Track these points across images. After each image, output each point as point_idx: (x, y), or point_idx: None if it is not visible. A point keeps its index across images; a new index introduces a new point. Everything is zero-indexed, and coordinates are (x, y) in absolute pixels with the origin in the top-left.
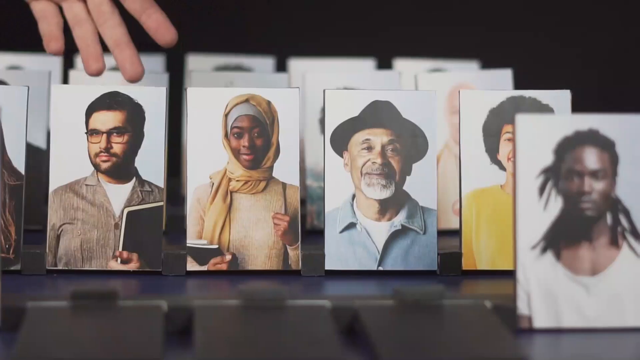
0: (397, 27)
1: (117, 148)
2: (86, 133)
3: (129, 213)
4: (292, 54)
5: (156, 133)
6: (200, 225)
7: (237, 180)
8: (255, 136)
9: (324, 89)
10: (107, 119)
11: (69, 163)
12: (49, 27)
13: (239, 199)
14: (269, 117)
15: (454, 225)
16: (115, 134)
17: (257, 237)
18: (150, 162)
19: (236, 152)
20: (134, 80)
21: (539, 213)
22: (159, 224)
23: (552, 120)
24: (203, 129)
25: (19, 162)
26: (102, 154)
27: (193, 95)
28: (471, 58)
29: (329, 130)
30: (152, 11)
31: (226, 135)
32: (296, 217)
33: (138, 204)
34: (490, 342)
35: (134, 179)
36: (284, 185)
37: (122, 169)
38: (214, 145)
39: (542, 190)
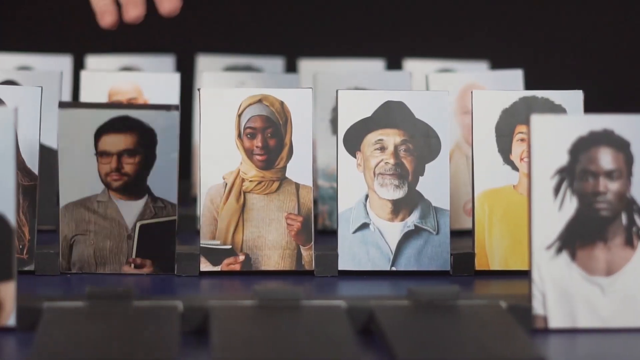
0: (405, 27)
1: (128, 168)
2: (96, 154)
3: (142, 226)
4: (301, 55)
5: (168, 154)
6: (213, 226)
7: (251, 181)
8: (269, 136)
9: (336, 89)
10: (117, 142)
11: (79, 181)
12: (103, 2)
13: (252, 199)
14: (282, 118)
15: (465, 225)
16: (126, 155)
17: (270, 238)
18: (163, 180)
19: (249, 153)
20: (170, 15)
21: (554, 213)
22: (172, 235)
23: (567, 120)
24: (216, 129)
25: (32, 162)
26: (113, 173)
27: (206, 96)
28: (480, 58)
29: (341, 131)
30: None
31: (239, 135)
32: (309, 217)
33: (151, 218)
34: (507, 342)
35: (146, 196)
36: (297, 185)
37: (133, 187)
38: (227, 145)
39: (557, 190)
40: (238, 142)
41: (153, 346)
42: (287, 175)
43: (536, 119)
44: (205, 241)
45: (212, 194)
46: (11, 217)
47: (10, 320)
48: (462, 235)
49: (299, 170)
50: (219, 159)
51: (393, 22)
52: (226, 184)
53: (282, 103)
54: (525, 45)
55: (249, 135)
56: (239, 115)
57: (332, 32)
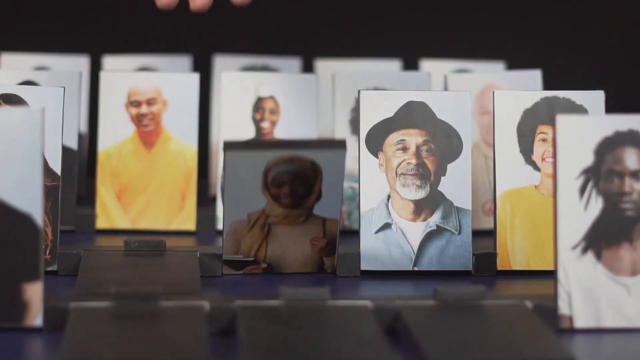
0: (421, 27)
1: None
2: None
3: None
4: (317, 55)
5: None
6: (236, 248)
7: (276, 216)
8: (296, 185)
9: (357, 89)
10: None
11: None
12: None
13: (277, 229)
14: (312, 173)
15: (484, 225)
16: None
17: (292, 252)
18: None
19: (276, 197)
20: (201, 11)
21: (580, 213)
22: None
23: (592, 121)
24: (241, 181)
25: (54, 162)
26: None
27: (232, 158)
28: (496, 58)
29: (363, 131)
30: None
31: (266, 186)
32: (334, 238)
33: None
34: (536, 342)
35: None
36: (324, 219)
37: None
38: (252, 194)
39: (582, 190)
40: (264, 191)
41: (181, 347)
42: (314, 212)
43: (562, 120)
44: (228, 256)
45: (236, 225)
46: (38, 217)
47: (37, 321)
48: (482, 235)
49: (327, 208)
50: (244, 203)
51: (409, 23)
52: (250, 220)
53: (313, 163)
54: (541, 46)
55: (276, 185)
56: (266, 171)
57: (348, 32)
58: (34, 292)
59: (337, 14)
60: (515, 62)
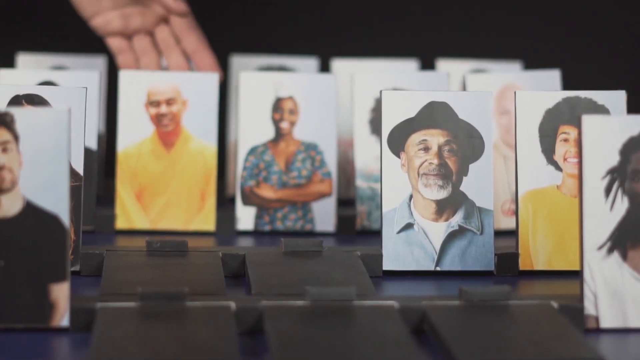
0: (437, 28)
1: None
2: None
3: None
4: (331, 55)
5: None
6: None
7: None
8: None
9: (378, 90)
10: None
11: None
12: (125, 60)
13: None
14: None
15: (503, 225)
16: None
17: None
18: None
19: None
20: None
21: (605, 214)
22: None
23: (617, 121)
24: None
25: (77, 163)
26: None
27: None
28: (512, 58)
29: (385, 131)
30: (204, 53)
31: None
32: None
33: None
34: (564, 342)
35: None
36: None
37: None
38: None
39: (608, 191)
40: None
41: (212, 348)
42: None
43: (587, 120)
44: None
45: None
46: (65, 218)
47: (64, 321)
48: (501, 235)
49: None
50: None
51: (424, 23)
52: None
53: None
54: (557, 45)
55: None
56: None
57: (363, 32)
58: (61, 293)
59: (352, 15)
60: (530, 62)
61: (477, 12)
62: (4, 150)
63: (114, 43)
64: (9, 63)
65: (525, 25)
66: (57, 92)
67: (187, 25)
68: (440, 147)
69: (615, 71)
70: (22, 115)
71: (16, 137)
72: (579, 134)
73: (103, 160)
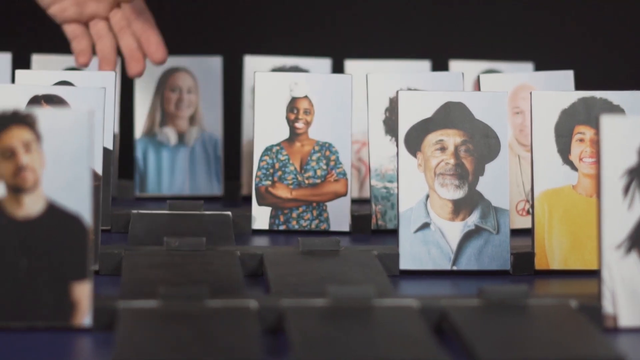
0: (449, 28)
1: None
2: None
3: None
4: (343, 56)
5: None
6: None
7: None
8: None
9: (394, 90)
10: None
11: None
12: (79, 46)
13: None
14: None
15: (517, 225)
16: None
17: None
18: None
19: None
20: (160, 63)
21: (624, 213)
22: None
23: (636, 121)
24: None
25: (96, 163)
26: None
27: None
28: (522, 59)
29: (402, 131)
30: (150, 34)
31: None
32: None
33: None
34: (584, 341)
35: None
36: None
37: None
38: None
39: (626, 190)
40: None
41: (235, 347)
42: None
43: (606, 120)
44: None
45: None
46: (87, 218)
47: (86, 320)
48: (515, 235)
49: None
50: None
51: (436, 24)
52: None
53: None
54: (569, 47)
55: None
56: None
57: (375, 33)
58: (83, 292)
59: (364, 16)
60: (541, 63)
61: (487, 13)
62: (27, 150)
63: (68, 29)
64: (23, 63)
65: (535, 27)
66: (76, 93)
67: (135, 8)
68: (456, 147)
69: (626, 72)
70: (45, 116)
71: (39, 138)
72: (598, 134)
73: (117, 160)
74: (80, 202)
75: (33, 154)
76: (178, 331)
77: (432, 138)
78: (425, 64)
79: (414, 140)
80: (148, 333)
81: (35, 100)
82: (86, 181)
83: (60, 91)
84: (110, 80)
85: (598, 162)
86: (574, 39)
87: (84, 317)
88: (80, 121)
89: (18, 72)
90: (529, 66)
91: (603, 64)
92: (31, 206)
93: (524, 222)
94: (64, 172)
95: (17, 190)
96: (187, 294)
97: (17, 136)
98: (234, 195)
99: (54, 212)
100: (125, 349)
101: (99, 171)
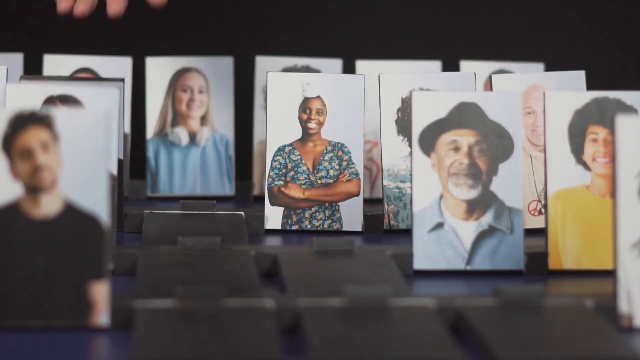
0: (459, 29)
1: None
2: None
3: None
4: (354, 56)
5: None
6: None
7: None
8: None
9: (407, 90)
10: None
11: None
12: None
13: None
14: None
15: (529, 225)
16: None
17: None
18: None
19: None
20: (116, 17)
21: (639, 213)
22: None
23: None
24: None
25: (112, 163)
26: None
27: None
28: (533, 60)
29: (416, 131)
30: None
31: None
32: None
33: None
34: (601, 341)
35: None
36: None
37: None
38: None
39: None
40: None
41: (254, 346)
42: None
43: (622, 120)
44: None
45: None
46: (104, 218)
47: (103, 320)
48: (527, 235)
49: None
50: None
51: (445, 26)
52: None
53: None
54: (579, 48)
55: None
56: None
57: (385, 35)
58: (100, 292)
59: (374, 16)
60: (551, 63)
61: (497, 14)
62: (45, 150)
63: None
64: (35, 64)
65: (545, 27)
66: (91, 93)
67: None
68: (470, 147)
69: (637, 72)
70: (63, 116)
71: (56, 138)
72: (613, 134)
73: (128, 160)
74: (97, 202)
75: (50, 154)
76: (196, 331)
77: (445, 138)
78: (435, 65)
79: (428, 141)
80: (166, 333)
81: (50, 101)
82: (103, 181)
83: (74, 91)
84: (119, 84)
85: (613, 162)
86: (584, 40)
87: (102, 317)
88: (97, 121)
89: (30, 72)
90: (539, 66)
91: (613, 64)
92: (49, 206)
93: (535, 222)
94: (81, 171)
95: (34, 190)
96: (204, 293)
97: (35, 136)
98: (246, 195)
99: (71, 212)
100: (143, 348)
101: (114, 171)
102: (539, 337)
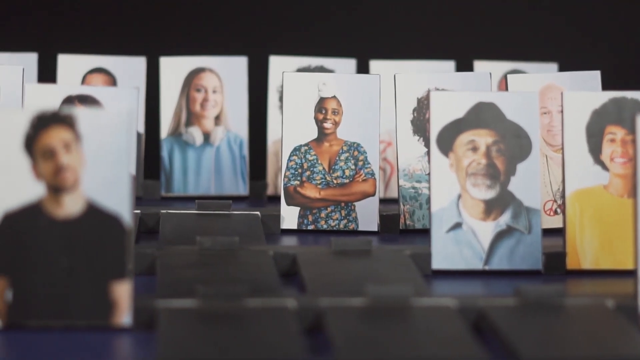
0: (473, 29)
1: None
2: None
3: None
4: (367, 56)
5: None
6: None
7: None
8: None
9: (423, 89)
10: None
11: None
12: None
13: None
14: None
15: (545, 225)
16: None
17: None
18: None
19: None
20: None
21: None
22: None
23: None
24: None
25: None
26: None
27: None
28: (546, 60)
29: (434, 131)
30: None
31: None
32: None
33: None
34: (622, 340)
35: None
36: None
37: None
38: None
39: None
40: None
41: (278, 346)
42: None
43: None
44: None
45: None
46: (126, 218)
47: (126, 320)
48: (543, 235)
49: None
50: None
51: (460, 24)
52: None
53: None
54: (594, 47)
55: None
56: None
57: (398, 35)
58: (122, 291)
59: (387, 17)
60: (565, 63)
61: (511, 14)
62: (67, 150)
63: None
64: (50, 64)
65: (559, 28)
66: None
67: None
68: (488, 147)
69: None
70: (85, 116)
71: (79, 138)
72: (633, 133)
73: (142, 160)
74: (119, 202)
75: (73, 154)
76: (219, 331)
77: (463, 138)
78: (449, 65)
79: (446, 141)
80: (190, 333)
81: (69, 100)
82: (125, 181)
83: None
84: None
85: (635, 162)
86: (597, 40)
87: (124, 317)
88: (119, 121)
89: (45, 73)
90: (553, 66)
91: (626, 64)
92: (71, 206)
93: (551, 222)
94: (103, 172)
95: (57, 190)
96: (226, 293)
97: (57, 136)
98: (260, 195)
99: (93, 212)
100: (168, 349)
101: (133, 171)
102: (561, 337)
